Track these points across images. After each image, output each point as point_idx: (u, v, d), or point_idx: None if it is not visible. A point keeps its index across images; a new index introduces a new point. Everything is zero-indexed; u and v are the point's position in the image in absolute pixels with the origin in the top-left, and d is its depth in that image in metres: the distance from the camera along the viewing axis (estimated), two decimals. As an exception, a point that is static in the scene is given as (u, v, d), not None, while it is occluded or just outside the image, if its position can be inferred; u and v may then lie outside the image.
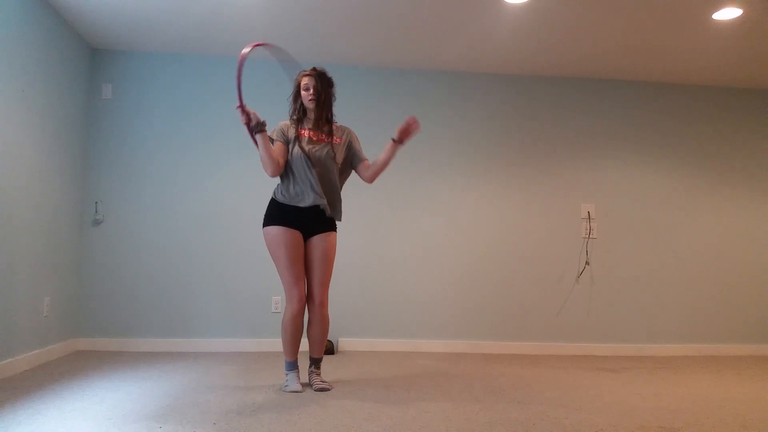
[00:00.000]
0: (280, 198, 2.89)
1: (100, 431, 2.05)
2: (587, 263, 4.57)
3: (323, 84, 2.93)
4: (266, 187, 4.37)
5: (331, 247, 2.91)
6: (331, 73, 4.46)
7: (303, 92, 2.92)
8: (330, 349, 4.12)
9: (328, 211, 2.87)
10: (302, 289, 2.84)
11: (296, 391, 2.79)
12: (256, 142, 2.78)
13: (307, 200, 2.83)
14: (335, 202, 2.93)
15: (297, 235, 2.84)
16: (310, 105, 2.91)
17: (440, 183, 4.56)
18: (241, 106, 2.74)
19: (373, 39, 4.08)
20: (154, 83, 4.33)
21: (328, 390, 2.86)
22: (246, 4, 3.58)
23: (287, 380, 2.87)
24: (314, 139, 2.90)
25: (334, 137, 2.95)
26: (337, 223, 2.98)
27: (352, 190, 4.43)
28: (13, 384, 2.81)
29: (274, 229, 2.83)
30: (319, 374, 2.97)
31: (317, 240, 2.87)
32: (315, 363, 2.99)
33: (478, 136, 4.61)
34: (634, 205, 4.68)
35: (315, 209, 2.85)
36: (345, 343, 4.28)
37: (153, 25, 3.89)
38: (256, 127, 2.75)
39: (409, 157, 4.52)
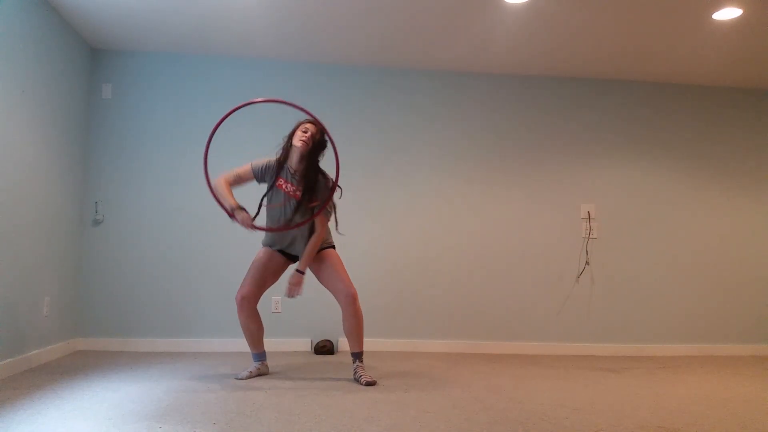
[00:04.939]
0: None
1: (100, 431, 2.05)
2: (587, 263, 4.57)
3: (320, 138, 3.02)
4: (265, 186, 4.38)
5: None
6: (330, 73, 4.52)
7: (299, 132, 3.01)
8: (330, 349, 4.13)
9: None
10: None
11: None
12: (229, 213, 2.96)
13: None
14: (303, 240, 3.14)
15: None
16: (298, 144, 2.98)
17: (440, 183, 4.56)
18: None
19: (373, 39, 4.08)
20: (154, 83, 4.33)
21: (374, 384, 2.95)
22: (246, 4, 3.58)
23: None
24: (290, 194, 3.04)
25: (312, 197, 3.05)
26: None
27: (352, 190, 4.45)
28: (13, 384, 2.81)
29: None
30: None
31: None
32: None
33: (478, 136, 4.61)
34: (634, 205, 4.68)
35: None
36: (345, 343, 4.27)
37: (153, 25, 3.89)
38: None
39: (408, 156, 4.52)
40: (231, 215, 2.91)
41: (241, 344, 4.17)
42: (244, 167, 3.09)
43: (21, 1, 3.23)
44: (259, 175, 3.08)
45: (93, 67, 4.25)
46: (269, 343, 4.23)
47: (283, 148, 3.07)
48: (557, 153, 4.66)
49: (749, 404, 2.73)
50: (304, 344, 4.27)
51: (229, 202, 2.93)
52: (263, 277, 3.12)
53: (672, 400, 2.79)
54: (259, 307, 4.30)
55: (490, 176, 4.60)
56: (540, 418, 2.34)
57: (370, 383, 2.93)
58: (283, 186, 3.04)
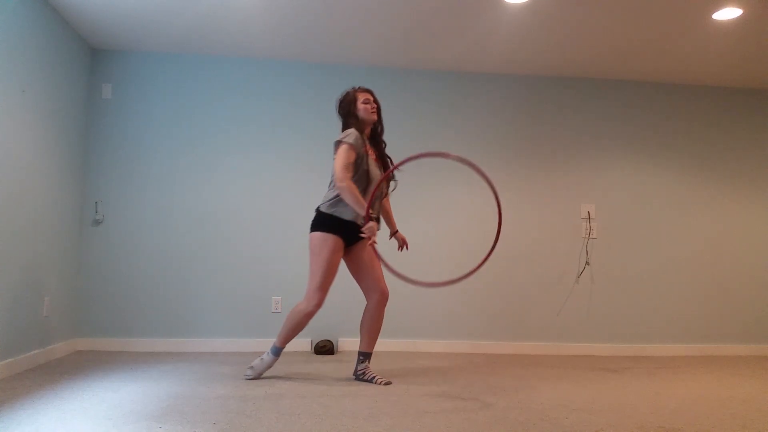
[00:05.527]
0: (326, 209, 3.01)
1: (100, 431, 2.05)
2: (587, 263, 4.57)
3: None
4: (265, 187, 4.40)
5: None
6: (330, 73, 4.52)
7: (363, 105, 3.04)
8: (330, 349, 4.13)
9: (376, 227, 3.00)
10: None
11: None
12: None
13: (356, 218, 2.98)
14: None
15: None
16: (373, 117, 3.05)
17: (440, 183, 4.56)
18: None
19: (374, 39, 4.08)
20: (154, 83, 4.33)
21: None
22: (246, 4, 3.58)
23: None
24: (376, 160, 3.08)
25: (391, 160, 3.16)
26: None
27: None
28: (13, 384, 2.81)
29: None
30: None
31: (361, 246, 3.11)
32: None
33: (478, 136, 4.61)
34: (634, 205, 4.68)
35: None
36: (345, 343, 4.27)
37: (153, 25, 3.89)
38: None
39: (407, 157, 4.52)
40: (366, 220, 2.81)
41: (241, 344, 4.20)
42: (347, 153, 2.89)
43: (21, 1, 3.23)
44: (360, 150, 2.97)
45: (93, 67, 4.25)
46: (268, 343, 4.24)
47: (354, 120, 3.02)
48: (557, 153, 4.66)
49: (749, 404, 2.73)
50: (304, 344, 4.27)
51: (363, 209, 2.82)
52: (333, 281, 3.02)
53: (672, 400, 2.79)
54: (260, 306, 4.33)
55: (490, 176, 4.58)
56: (540, 418, 2.34)
57: (388, 384, 2.96)
58: (370, 154, 3.06)
